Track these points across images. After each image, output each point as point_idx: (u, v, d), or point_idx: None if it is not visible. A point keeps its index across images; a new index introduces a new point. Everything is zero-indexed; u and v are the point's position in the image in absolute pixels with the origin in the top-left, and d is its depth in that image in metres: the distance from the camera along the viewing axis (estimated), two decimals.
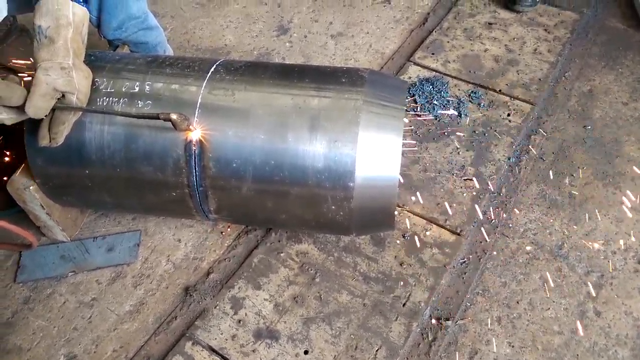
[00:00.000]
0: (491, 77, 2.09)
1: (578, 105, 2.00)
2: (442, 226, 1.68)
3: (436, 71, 2.12)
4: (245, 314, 1.50)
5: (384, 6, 2.44)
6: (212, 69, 1.43)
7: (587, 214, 1.70)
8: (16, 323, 1.51)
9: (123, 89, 1.39)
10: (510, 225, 1.69)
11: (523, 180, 1.79)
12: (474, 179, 1.78)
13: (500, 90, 2.04)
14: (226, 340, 1.46)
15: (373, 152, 1.32)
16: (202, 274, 1.60)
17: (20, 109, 1.24)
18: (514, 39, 2.24)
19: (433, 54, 2.19)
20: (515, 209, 1.72)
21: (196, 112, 1.36)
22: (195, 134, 1.33)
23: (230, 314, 1.51)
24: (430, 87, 2.04)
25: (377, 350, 1.43)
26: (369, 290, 1.54)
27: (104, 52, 1.55)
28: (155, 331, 1.49)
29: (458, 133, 1.90)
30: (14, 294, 1.56)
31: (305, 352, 1.44)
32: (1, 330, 1.49)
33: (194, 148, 1.35)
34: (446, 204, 1.72)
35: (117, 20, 1.74)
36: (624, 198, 1.72)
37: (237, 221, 1.61)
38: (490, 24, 2.31)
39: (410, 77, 2.10)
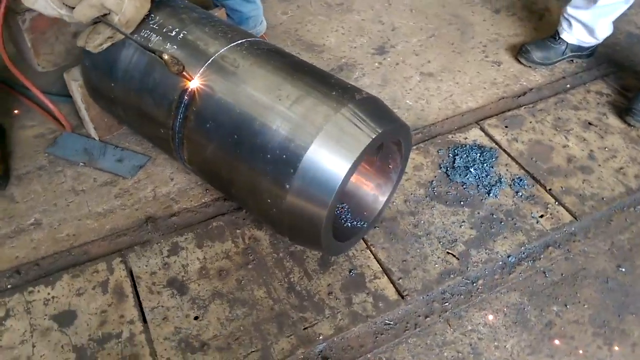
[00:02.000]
0: (551, 173, 1.88)
1: (628, 243, 1.71)
2: (392, 281, 1.58)
3: (497, 144, 1.97)
4: (175, 261, 1.61)
5: (492, 66, 2.32)
6: (240, 41, 1.55)
7: (551, 350, 1.46)
8: (24, 180, 1.81)
9: (164, 30, 1.57)
10: (461, 318, 1.52)
11: (508, 284, 1.60)
12: (456, 257, 1.64)
13: (550, 190, 1.83)
14: (146, 272, 1.58)
15: (318, 165, 1.32)
16: (169, 213, 1.74)
17: None
18: (605, 148, 1.97)
19: (507, 127, 2.04)
20: (478, 306, 1.55)
21: (202, 68, 1.49)
22: (193, 84, 1.46)
23: (164, 254, 1.62)
24: (478, 154, 1.90)
25: (252, 352, 1.43)
26: (285, 299, 1.54)
27: None
28: (104, 237, 1.67)
29: (474, 209, 1.76)
30: (37, 158, 1.87)
31: (195, 318, 1.49)
32: (13, 180, 1.80)
33: (186, 97, 1.49)
34: (411, 264, 1.62)
35: None
36: (607, 358, 1.44)
37: (204, 179, 1.72)
38: (590, 123, 2.06)
39: (466, 138, 1.98)
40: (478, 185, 1.83)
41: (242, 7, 2.06)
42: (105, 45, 1.56)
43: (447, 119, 2.08)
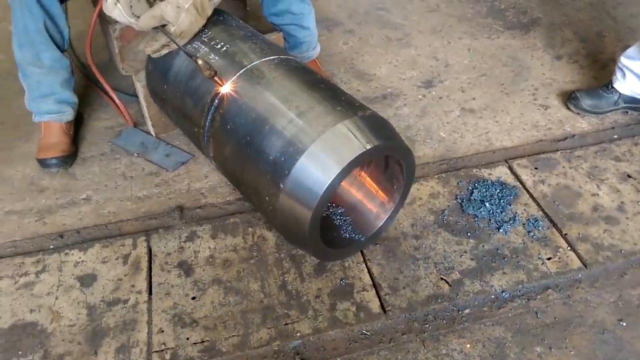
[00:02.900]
0: (571, 219, 1.83)
1: (638, 299, 1.61)
2: (379, 296, 1.64)
3: (521, 183, 1.96)
4: (189, 247, 1.79)
5: (538, 109, 2.30)
6: (272, 57, 1.72)
7: None
8: (87, 161, 2.11)
9: (212, 43, 1.80)
10: (438, 341, 1.53)
11: (495, 318, 1.58)
12: (449, 283, 1.65)
13: (565, 235, 1.78)
14: (162, 252, 1.78)
15: (310, 169, 1.44)
16: (196, 205, 1.94)
17: None
18: (638, 202, 1.87)
19: (536, 168, 2.01)
20: (458, 333, 1.55)
21: (234, 77, 1.67)
22: (223, 89, 1.66)
23: (182, 239, 1.82)
24: (497, 190, 1.91)
25: (233, 336, 1.55)
26: (275, 295, 1.65)
27: (234, 17, 1.99)
28: (137, 218, 1.90)
29: (480, 242, 1.77)
30: (102, 146, 2.18)
31: (193, 298, 1.65)
32: (78, 161, 2.12)
33: (216, 101, 1.69)
34: (402, 283, 1.66)
35: (276, 8, 2.18)
36: None
37: (225, 176, 1.89)
38: (629, 176, 1.97)
39: (490, 174, 1.99)
40: (490, 220, 1.83)
41: (297, 32, 2.26)
42: (163, 52, 1.81)
43: (476, 154, 2.10)
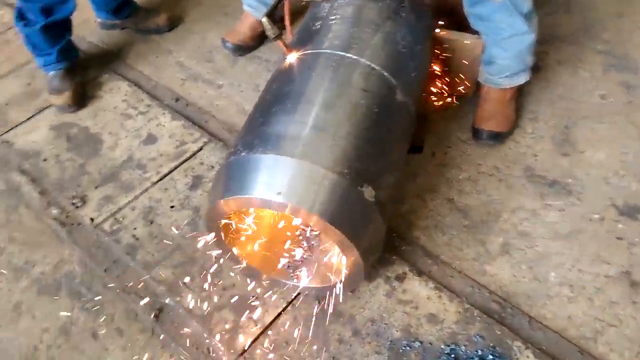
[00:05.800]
0: None
1: None
2: None
3: None
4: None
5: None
6: (352, 56, 1.43)
7: None
8: (251, 61, 2.25)
9: (334, 10, 1.60)
10: None
11: None
12: None
13: None
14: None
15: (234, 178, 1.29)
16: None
17: None
18: None
19: None
20: None
21: (305, 50, 1.49)
22: (289, 56, 1.50)
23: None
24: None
25: None
26: None
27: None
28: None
29: None
30: (274, 54, 2.25)
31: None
32: (248, 56, 2.26)
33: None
34: None
35: (474, 9, 1.69)
36: None
37: None
38: None
39: (517, 348, 1.28)
40: None
41: (491, 47, 1.75)
42: None
43: (559, 333, 1.35)
